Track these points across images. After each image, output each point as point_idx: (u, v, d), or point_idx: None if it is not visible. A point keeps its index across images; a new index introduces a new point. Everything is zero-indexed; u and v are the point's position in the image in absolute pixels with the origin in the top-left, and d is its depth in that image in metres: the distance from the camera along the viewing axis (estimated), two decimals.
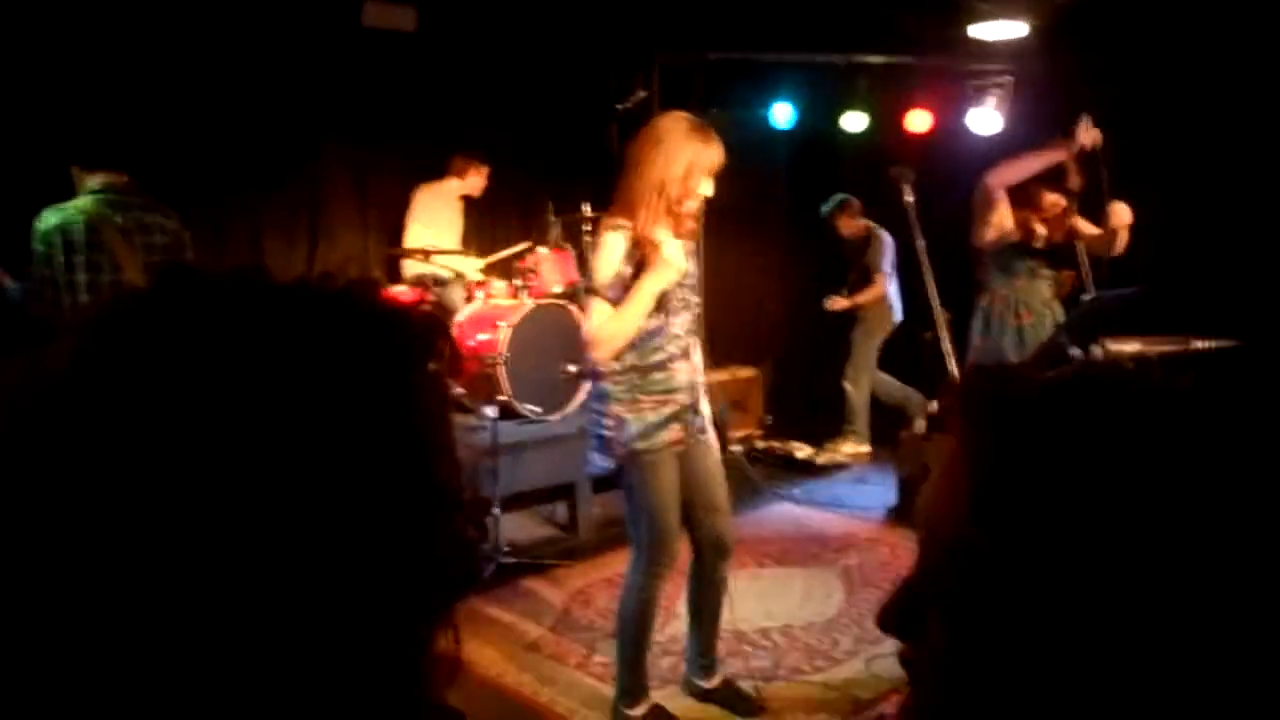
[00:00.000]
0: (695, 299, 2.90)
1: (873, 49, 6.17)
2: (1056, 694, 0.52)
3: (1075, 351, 3.14)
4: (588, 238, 5.94)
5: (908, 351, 5.96)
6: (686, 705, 3.14)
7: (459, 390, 5.07)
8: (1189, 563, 0.50)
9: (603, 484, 5.02)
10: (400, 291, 5.18)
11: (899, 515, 5.01)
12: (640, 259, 2.68)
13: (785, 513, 5.25)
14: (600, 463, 2.83)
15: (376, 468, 0.50)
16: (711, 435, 2.98)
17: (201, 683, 0.45)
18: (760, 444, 6.37)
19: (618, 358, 2.71)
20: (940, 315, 3.27)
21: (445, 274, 5.47)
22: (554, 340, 5.12)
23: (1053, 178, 3.86)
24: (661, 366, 2.76)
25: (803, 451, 6.17)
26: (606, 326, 2.66)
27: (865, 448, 6.34)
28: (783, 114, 6.59)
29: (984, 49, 5.69)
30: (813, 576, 4.27)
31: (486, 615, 3.83)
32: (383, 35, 5.69)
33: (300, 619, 0.47)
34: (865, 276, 6.30)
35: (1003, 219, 3.99)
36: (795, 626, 3.74)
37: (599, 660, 3.48)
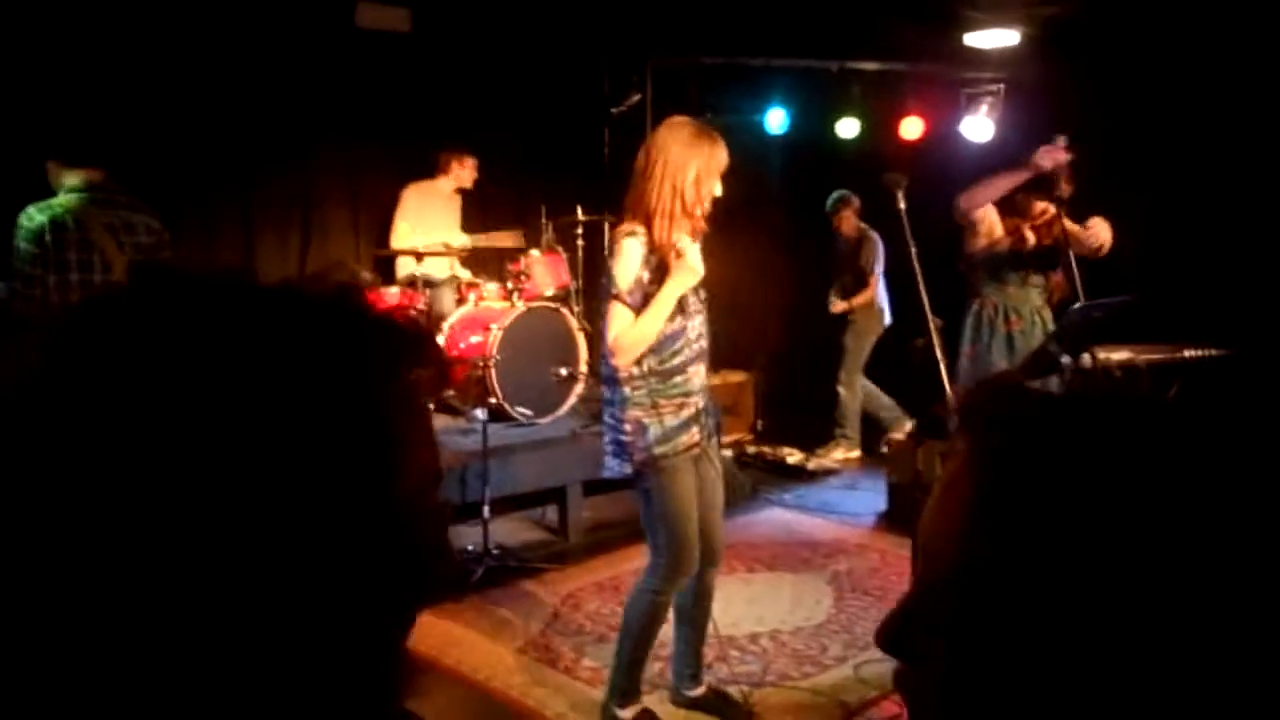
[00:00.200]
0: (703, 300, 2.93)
1: (866, 56, 6.20)
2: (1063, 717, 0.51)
3: (1065, 359, 3.15)
4: (580, 240, 5.97)
5: (899, 358, 5.97)
6: (673, 711, 3.13)
7: (450, 393, 5.06)
8: (1198, 582, 0.49)
9: (593, 487, 5.03)
10: (390, 293, 5.16)
11: (889, 521, 5.02)
12: (658, 264, 2.71)
13: (776, 518, 5.25)
14: (618, 468, 2.84)
15: (338, 473, 0.49)
16: (717, 439, 3.01)
17: (160, 688, 0.45)
18: (751, 449, 6.38)
19: (637, 362, 2.73)
20: (932, 322, 3.28)
21: (437, 276, 5.46)
22: (545, 343, 5.12)
23: (1042, 186, 3.88)
24: (680, 370, 2.79)
25: (794, 456, 6.17)
26: (630, 333, 2.69)
27: (856, 453, 6.36)
28: (776, 120, 6.60)
29: (976, 57, 5.72)
30: (802, 582, 4.27)
31: (475, 618, 3.82)
32: (376, 36, 5.70)
33: (261, 623, 0.47)
34: (861, 279, 6.33)
35: (992, 228, 4.02)
36: (784, 632, 3.74)
37: (588, 664, 3.47)
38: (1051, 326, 3.97)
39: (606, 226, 5.87)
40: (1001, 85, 5.63)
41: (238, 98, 5.22)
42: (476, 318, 5.14)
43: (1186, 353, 3.23)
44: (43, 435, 0.46)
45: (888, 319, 6.34)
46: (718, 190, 2.78)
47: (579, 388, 5.25)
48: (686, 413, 2.79)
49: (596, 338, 5.95)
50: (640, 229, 2.72)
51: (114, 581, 0.44)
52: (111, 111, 4.43)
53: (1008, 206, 3.99)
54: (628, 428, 2.76)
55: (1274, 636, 0.48)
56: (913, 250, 3.28)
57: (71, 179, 3.52)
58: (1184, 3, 5.01)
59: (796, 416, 6.55)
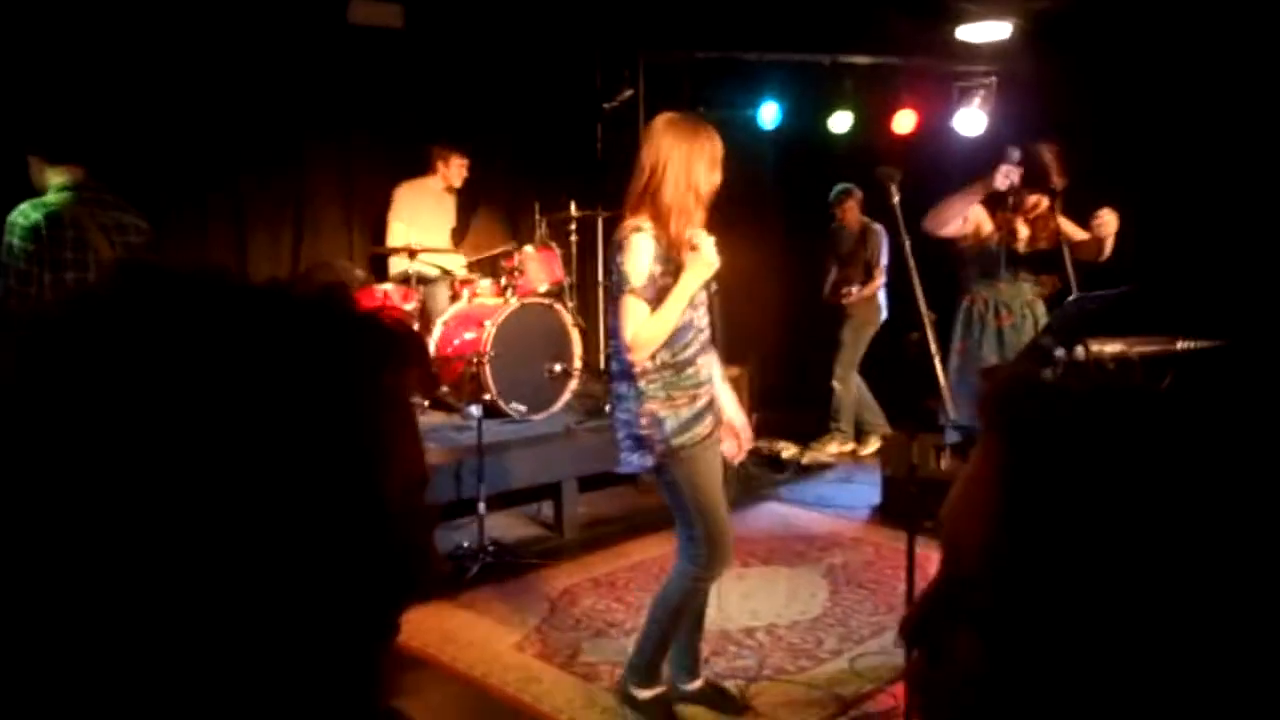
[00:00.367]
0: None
1: (858, 49, 6.19)
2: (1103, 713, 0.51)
3: (1059, 352, 3.15)
4: (573, 236, 5.96)
5: (893, 352, 5.98)
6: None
7: (444, 389, 5.05)
8: (1235, 572, 0.49)
9: (588, 483, 5.03)
10: (385, 290, 5.15)
11: (884, 514, 5.03)
12: (668, 257, 2.73)
13: (771, 512, 5.26)
14: (638, 462, 2.85)
15: (321, 473, 0.49)
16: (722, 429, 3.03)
17: (142, 686, 0.45)
18: None
19: (651, 356, 2.75)
20: (926, 316, 3.28)
21: (431, 272, 5.45)
22: (539, 339, 5.11)
23: (1035, 178, 3.89)
24: (691, 361, 2.82)
25: (788, 450, 6.18)
26: (648, 327, 2.71)
27: (850, 446, 6.36)
28: (769, 114, 6.60)
29: (969, 50, 5.73)
30: (798, 576, 4.27)
31: (471, 614, 3.82)
32: (369, 32, 5.68)
33: (244, 622, 0.47)
34: (869, 271, 6.33)
35: (980, 224, 4.03)
36: (780, 626, 3.75)
37: (584, 660, 3.47)
38: (1044, 320, 3.98)
39: (600, 222, 5.87)
40: (994, 78, 5.64)
41: (231, 94, 5.20)
42: (470, 314, 5.13)
43: (1179, 345, 3.24)
44: (24, 435, 0.45)
45: (884, 313, 6.34)
46: (718, 178, 2.82)
47: (573, 383, 5.25)
48: (700, 403, 2.82)
49: (591, 333, 6.00)
50: (646, 224, 2.74)
51: (96, 579, 0.44)
52: (100, 108, 4.40)
53: (1000, 200, 3.99)
54: (644, 421, 2.78)
55: None
56: (906, 244, 3.28)
57: (57, 177, 3.50)
58: None
59: (791, 410, 6.56)
